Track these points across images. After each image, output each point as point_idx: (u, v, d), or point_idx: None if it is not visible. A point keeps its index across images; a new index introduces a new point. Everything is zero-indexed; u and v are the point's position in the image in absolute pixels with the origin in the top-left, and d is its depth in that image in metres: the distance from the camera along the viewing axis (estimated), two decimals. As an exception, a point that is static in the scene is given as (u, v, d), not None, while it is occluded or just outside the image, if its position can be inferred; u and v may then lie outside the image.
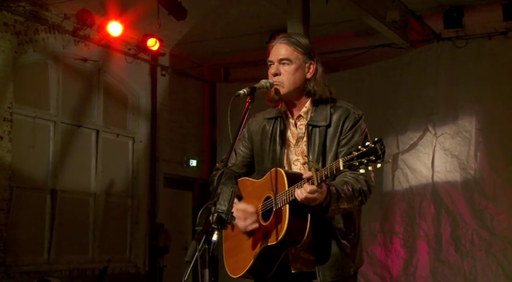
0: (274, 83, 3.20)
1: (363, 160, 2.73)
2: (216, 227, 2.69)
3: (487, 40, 8.89)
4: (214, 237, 2.69)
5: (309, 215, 3.04)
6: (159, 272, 9.83)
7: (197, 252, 2.61)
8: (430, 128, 9.14)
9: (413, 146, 9.24)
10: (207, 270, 2.65)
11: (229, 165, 3.26)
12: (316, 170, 2.88)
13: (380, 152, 2.71)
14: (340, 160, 2.80)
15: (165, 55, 10.44)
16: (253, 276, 3.29)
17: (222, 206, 2.74)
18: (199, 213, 2.75)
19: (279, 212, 3.07)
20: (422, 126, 9.21)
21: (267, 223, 3.15)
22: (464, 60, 8.98)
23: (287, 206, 3.02)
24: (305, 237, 3.03)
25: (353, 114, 3.21)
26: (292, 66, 3.20)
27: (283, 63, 3.20)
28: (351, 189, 3.04)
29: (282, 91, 3.21)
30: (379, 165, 2.73)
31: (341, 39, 9.65)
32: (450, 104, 9.07)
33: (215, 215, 2.71)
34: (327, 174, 2.86)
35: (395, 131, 9.34)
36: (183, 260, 2.68)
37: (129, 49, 9.77)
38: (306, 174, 2.92)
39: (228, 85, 11.30)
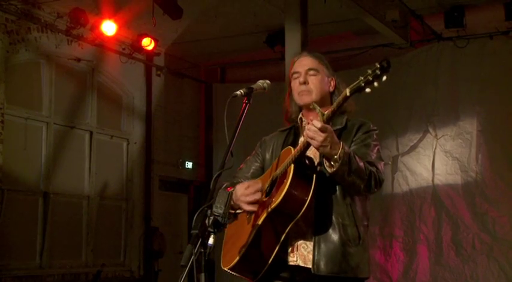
0: (301, 91, 3.26)
1: (368, 78, 2.72)
2: (212, 230, 2.68)
3: (488, 40, 8.81)
4: (211, 240, 2.66)
5: (314, 176, 2.98)
6: (154, 276, 9.76)
7: (193, 256, 2.62)
8: (431, 130, 9.05)
9: (413, 148, 9.14)
10: (203, 274, 2.65)
11: (227, 168, 3.16)
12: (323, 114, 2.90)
13: (385, 65, 2.71)
14: (347, 88, 2.80)
15: (160, 55, 10.34)
16: (247, 269, 3.15)
17: (218, 209, 2.73)
18: (195, 217, 2.73)
19: (283, 176, 3.02)
20: (422, 128, 9.11)
21: (269, 197, 3.08)
22: (466, 60, 8.90)
23: (292, 166, 2.98)
24: (308, 202, 2.93)
25: (368, 124, 3.28)
26: (319, 76, 3.29)
27: (311, 74, 3.29)
28: (363, 165, 3.00)
29: (309, 98, 3.25)
30: (384, 77, 2.71)
31: (339, 39, 9.60)
32: (451, 105, 8.98)
33: (211, 218, 2.70)
34: (334, 109, 2.88)
35: (394, 132, 9.24)
36: (179, 264, 2.64)
37: (124, 49, 9.65)
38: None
39: (225, 86, 11.21)
